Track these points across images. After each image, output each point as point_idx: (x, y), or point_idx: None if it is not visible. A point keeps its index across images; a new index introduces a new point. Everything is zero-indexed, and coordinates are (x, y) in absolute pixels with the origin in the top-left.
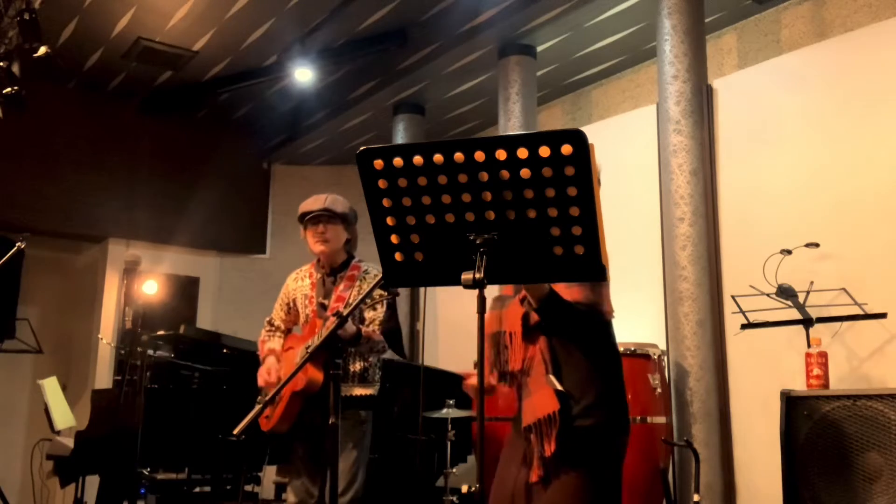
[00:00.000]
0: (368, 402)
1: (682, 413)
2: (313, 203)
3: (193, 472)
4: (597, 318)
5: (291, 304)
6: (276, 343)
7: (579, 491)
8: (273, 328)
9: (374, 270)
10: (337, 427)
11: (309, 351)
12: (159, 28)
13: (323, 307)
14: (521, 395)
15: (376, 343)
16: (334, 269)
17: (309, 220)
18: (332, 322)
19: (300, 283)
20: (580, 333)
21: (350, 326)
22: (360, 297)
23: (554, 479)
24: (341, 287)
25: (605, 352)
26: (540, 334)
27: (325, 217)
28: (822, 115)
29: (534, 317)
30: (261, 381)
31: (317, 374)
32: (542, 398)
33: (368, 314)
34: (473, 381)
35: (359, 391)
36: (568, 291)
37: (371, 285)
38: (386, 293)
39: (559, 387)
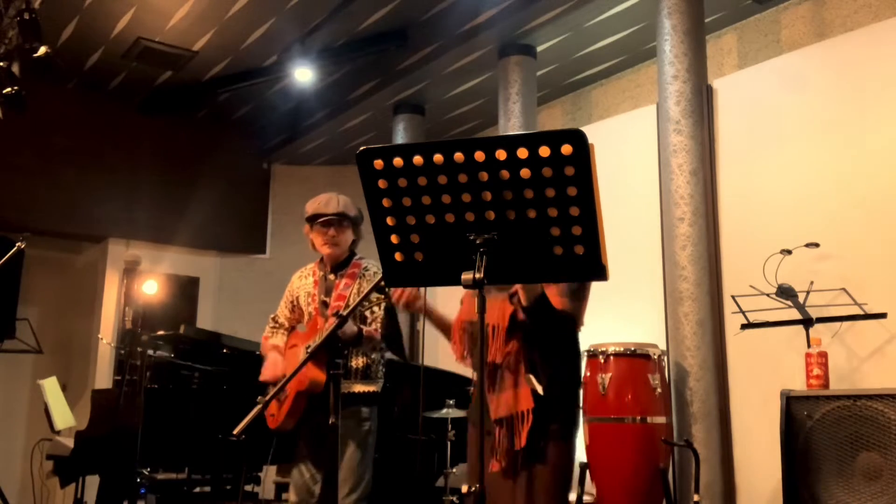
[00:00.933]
0: (370, 399)
1: (682, 413)
2: (326, 205)
3: (193, 472)
4: (570, 327)
5: (295, 302)
6: (279, 339)
7: (551, 486)
8: (277, 325)
9: (374, 267)
10: (337, 426)
11: (309, 351)
12: (159, 28)
13: (325, 305)
14: (495, 390)
15: (378, 342)
16: (335, 267)
17: (321, 222)
18: (332, 322)
19: (303, 282)
20: (556, 337)
21: (350, 327)
22: (360, 298)
23: (525, 473)
24: (342, 285)
25: (572, 358)
26: (520, 332)
27: (336, 221)
28: (822, 115)
29: (519, 314)
30: (265, 376)
31: (319, 375)
32: (518, 395)
33: (369, 314)
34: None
35: (360, 388)
36: (556, 300)
37: (370, 282)
38: (382, 297)
39: (538, 387)
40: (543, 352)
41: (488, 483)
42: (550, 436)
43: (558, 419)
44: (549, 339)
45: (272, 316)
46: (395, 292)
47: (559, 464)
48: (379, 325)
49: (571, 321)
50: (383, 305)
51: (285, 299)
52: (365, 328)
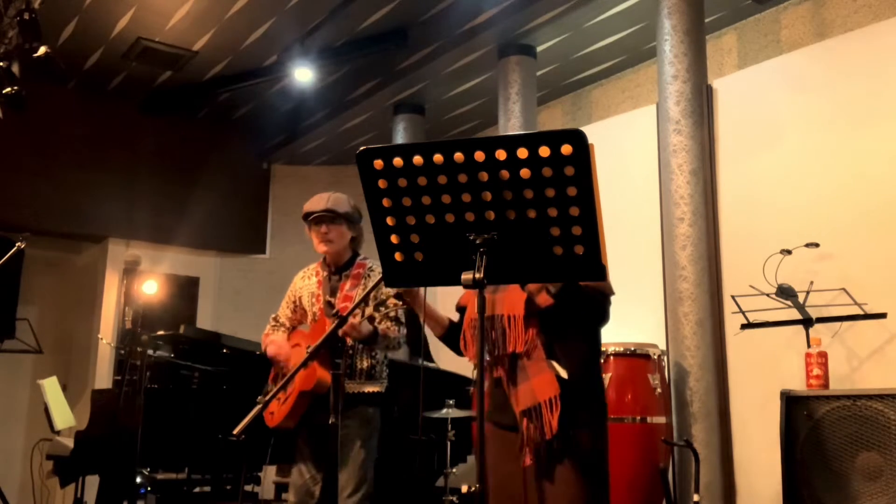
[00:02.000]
0: (376, 399)
1: (682, 413)
2: (316, 203)
3: (193, 472)
4: (602, 302)
5: (297, 303)
6: (279, 336)
7: (585, 479)
8: (277, 324)
9: (378, 267)
10: (337, 426)
11: (309, 351)
12: (159, 28)
13: (330, 305)
14: (515, 382)
15: (392, 340)
16: (339, 268)
17: (312, 220)
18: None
19: (307, 282)
20: (584, 318)
21: (365, 326)
22: (363, 295)
23: (559, 466)
24: (347, 286)
25: (595, 340)
26: (537, 319)
27: (327, 217)
28: (821, 115)
29: (540, 301)
30: (275, 355)
31: (325, 375)
32: (541, 382)
33: (382, 321)
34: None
35: (368, 388)
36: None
37: (375, 283)
38: (401, 303)
39: (563, 373)
40: (567, 336)
41: (515, 481)
42: (580, 425)
43: (587, 406)
44: (574, 321)
45: (273, 316)
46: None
47: (593, 454)
48: (390, 325)
49: (602, 294)
50: (401, 311)
51: (287, 299)
52: (380, 326)
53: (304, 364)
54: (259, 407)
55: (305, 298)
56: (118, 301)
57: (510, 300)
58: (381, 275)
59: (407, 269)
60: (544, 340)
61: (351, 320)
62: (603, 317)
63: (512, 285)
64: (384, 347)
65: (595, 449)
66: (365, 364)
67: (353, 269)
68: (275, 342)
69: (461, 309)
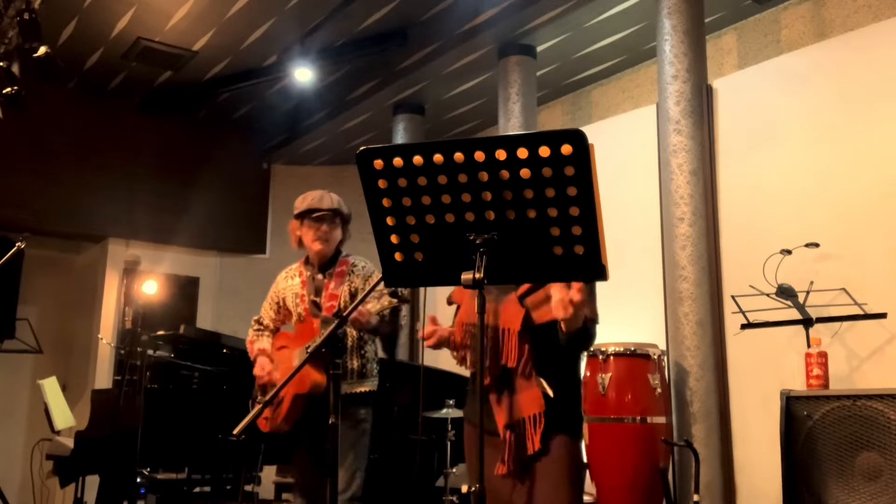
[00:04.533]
0: (368, 399)
1: (682, 413)
2: (320, 201)
3: (193, 472)
4: (594, 329)
5: (281, 303)
6: (265, 342)
7: (559, 479)
8: (262, 327)
9: (362, 263)
10: (337, 426)
11: (309, 351)
12: (159, 28)
13: (316, 305)
14: (501, 392)
15: (385, 333)
16: (323, 266)
17: (315, 217)
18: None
19: (290, 282)
20: (577, 343)
21: (372, 318)
22: (362, 295)
23: (539, 477)
24: (332, 285)
25: (576, 356)
26: (531, 335)
27: (329, 217)
28: (821, 115)
29: (536, 318)
30: (263, 380)
31: (320, 377)
32: (529, 398)
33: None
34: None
35: (358, 388)
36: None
37: (363, 279)
38: (396, 301)
39: (549, 391)
40: (556, 353)
41: (493, 483)
42: (561, 436)
43: (567, 419)
44: (567, 343)
45: (255, 318)
46: (429, 339)
47: (565, 455)
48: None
49: (592, 322)
50: (391, 308)
51: (270, 300)
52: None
53: (302, 366)
54: (259, 407)
55: (290, 299)
56: (118, 301)
57: (508, 313)
58: (364, 269)
59: (407, 268)
60: (535, 356)
61: (360, 308)
62: (591, 342)
63: (511, 298)
64: (383, 339)
65: (573, 458)
66: (356, 364)
67: (337, 267)
68: (258, 369)
69: (452, 302)
